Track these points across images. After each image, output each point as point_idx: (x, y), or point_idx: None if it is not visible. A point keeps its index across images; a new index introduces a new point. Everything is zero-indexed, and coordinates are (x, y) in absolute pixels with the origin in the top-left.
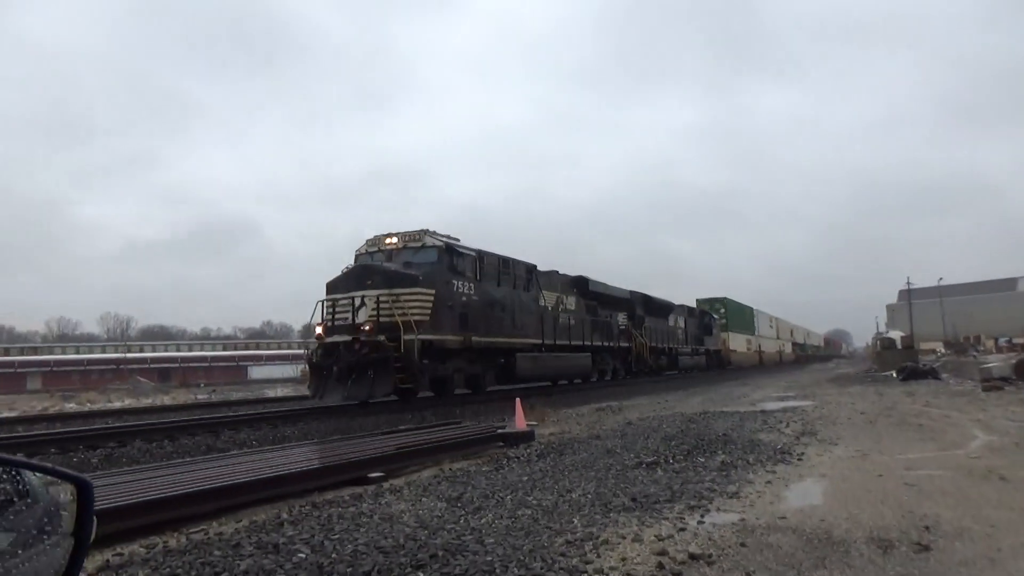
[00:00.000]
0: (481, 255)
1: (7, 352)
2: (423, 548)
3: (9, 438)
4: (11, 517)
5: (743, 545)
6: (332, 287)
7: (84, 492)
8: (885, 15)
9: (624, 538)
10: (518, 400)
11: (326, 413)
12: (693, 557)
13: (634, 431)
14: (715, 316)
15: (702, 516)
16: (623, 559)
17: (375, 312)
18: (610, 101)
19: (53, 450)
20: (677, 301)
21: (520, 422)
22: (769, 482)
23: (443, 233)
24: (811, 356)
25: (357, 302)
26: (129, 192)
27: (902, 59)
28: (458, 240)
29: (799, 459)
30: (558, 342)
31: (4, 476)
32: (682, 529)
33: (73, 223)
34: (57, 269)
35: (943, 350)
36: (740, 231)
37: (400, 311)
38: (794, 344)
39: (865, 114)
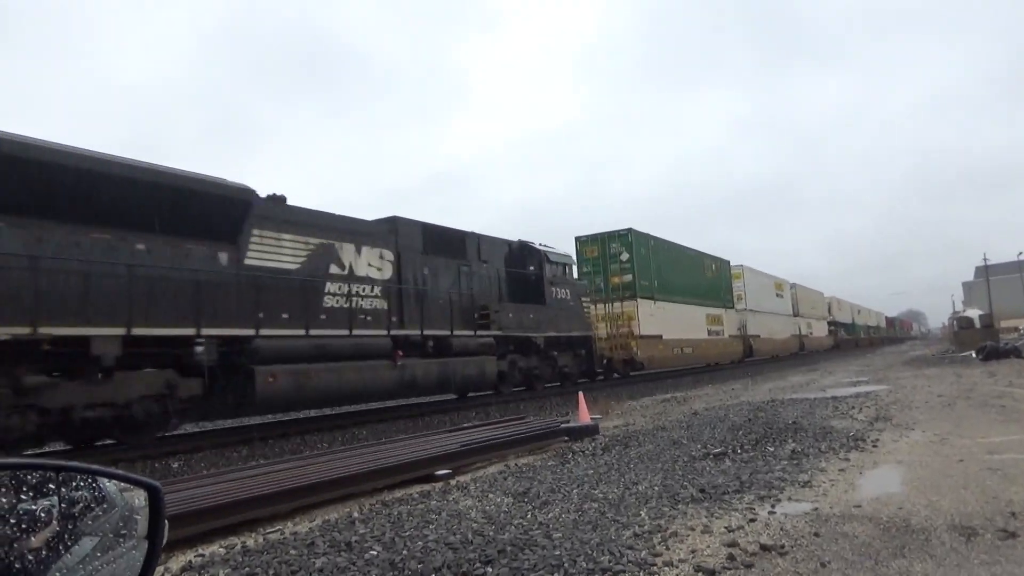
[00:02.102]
0: None
1: None
2: (491, 543)
3: None
4: (90, 522)
5: (817, 535)
6: None
7: (155, 497)
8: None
9: (693, 530)
10: (581, 394)
11: (391, 412)
12: (765, 548)
13: (700, 421)
14: (568, 263)
15: (773, 506)
16: (692, 551)
17: None
18: (658, 100)
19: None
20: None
21: (584, 416)
22: (843, 470)
23: None
24: (866, 340)
25: None
26: None
27: (947, 40)
28: None
29: (874, 445)
30: None
31: (83, 484)
32: (752, 520)
33: None
34: None
35: None
36: (799, 217)
37: None
38: (835, 324)
39: (915, 96)
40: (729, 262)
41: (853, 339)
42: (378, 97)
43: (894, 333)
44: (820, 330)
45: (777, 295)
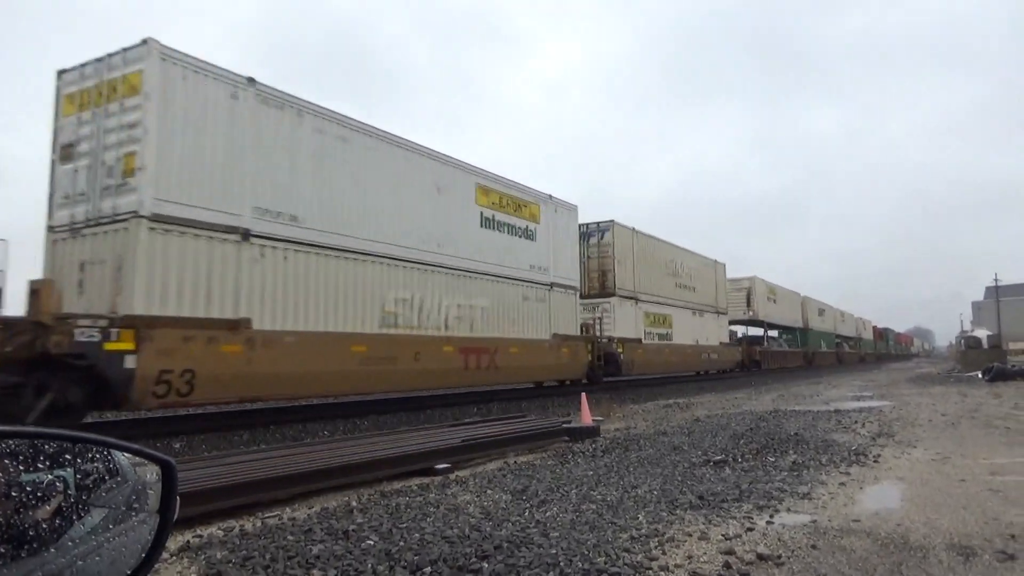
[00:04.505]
0: None
1: None
2: (488, 539)
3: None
4: (103, 494)
5: (814, 547)
6: None
7: (168, 472)
8: (921, 35)
9: (690, 536)
10: (584, 395)
11: (393, 405)
12: (761, 558)
13: (702, 428)
14: None
15: (771, 516)
16: (689, 557)
17: None
18: (668, 116)
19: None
20: None
21: (586, 417)
22: (843, 484)
23: None
24: (831, 357)
25: None
26: None
27: (943, 72)
28: None
29: (875, 461)
30: None
31: (97, 456)
32: (750, 529)
33: None
34: None
35: None
36: (805, 231)
37: None
38: (769, 327)
39: (914, 123)
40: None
41: (803, 352)
42: (406, 107)
43: (886, 348)
44: (707, 331)
45: (488, 221)
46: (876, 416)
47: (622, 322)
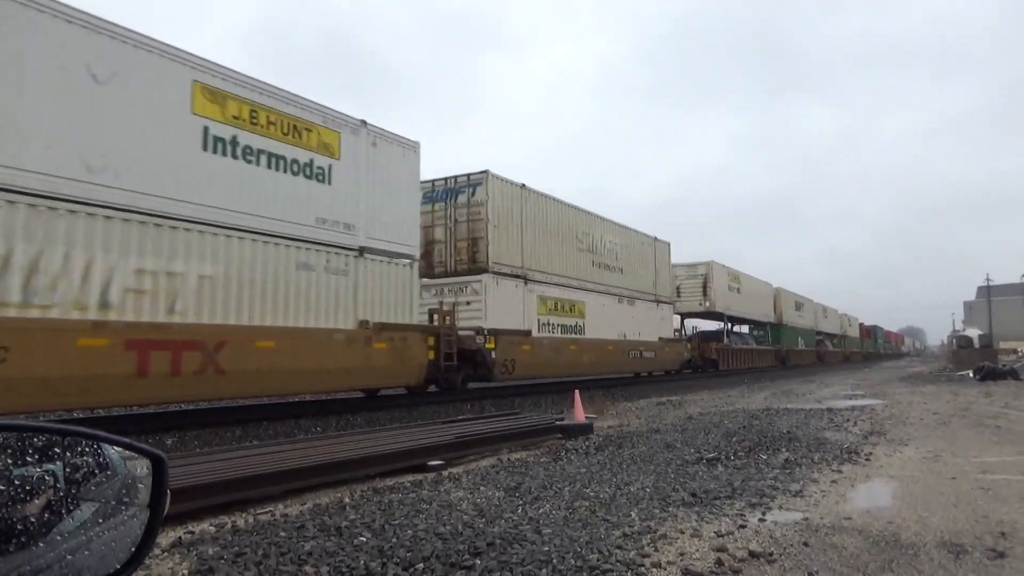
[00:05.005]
0: None
1: None
2: (481, 536)
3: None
4: (93, 488)
5: (806, 545)
6: None
7: (159, 466)
8: (918, 37)
9: (683, 533)
10: (576, 392)
11: (387, 401)
12: (753, 555)
13: (695, 426)
14: None
15: (764, 514)
16: (681, 554)
17: None
18: (666, 118)
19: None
20: None
21: (579, 414)
22: (835, 482)
23: None
24: (810, 355)
25: None
26: None
27: (937, 77)
28: None
29: (867, 459)
30: None
31: (87, 449)
32: (743, 526)
33: None
34: None
35: None
36: (799, 231)
37: None
38: (734, 320)
39: (908, 126)
40: None
41: (775, 351)
42: (406, 108)
43: (874, 347)
44: (640, 323)
45: (221, 142)
46: (868, 414)
47: (500, 308)
